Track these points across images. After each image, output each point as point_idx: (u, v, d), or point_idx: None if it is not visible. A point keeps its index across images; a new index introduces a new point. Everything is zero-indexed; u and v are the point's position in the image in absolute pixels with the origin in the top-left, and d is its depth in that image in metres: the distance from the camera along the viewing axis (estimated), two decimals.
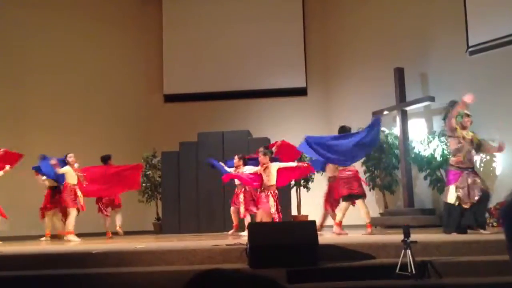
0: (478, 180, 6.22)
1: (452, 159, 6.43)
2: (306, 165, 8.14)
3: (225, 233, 8.80)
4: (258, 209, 7.87)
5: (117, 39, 13.24)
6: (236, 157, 8.47)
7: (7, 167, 8.36)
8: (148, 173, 11.10)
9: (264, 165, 7.65)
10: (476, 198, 6.09)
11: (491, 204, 8.27)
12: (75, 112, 12.11)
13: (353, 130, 10.57)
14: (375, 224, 10.15)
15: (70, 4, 12.58)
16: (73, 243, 7.33)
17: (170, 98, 13.66)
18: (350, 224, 10.95)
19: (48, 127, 11.65)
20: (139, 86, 13.50)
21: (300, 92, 13.35)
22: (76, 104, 12.21)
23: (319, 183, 11.11)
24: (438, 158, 9.62)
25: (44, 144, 11.04)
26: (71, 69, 12.31)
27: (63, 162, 8.65)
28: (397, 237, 4.89)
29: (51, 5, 12.23)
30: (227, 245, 5.02)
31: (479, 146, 6.52)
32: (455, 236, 5.64)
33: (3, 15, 11.46)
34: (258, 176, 7.86)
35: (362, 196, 7.36)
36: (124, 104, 13.01)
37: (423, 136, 10.23)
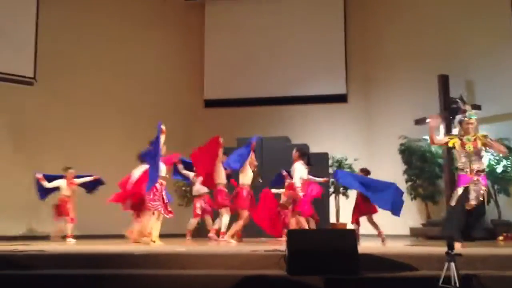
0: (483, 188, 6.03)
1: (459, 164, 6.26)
2: None
3: (263, 239, 8.80)
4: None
5: (160, 44, 13.53)
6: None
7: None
8: (181, 180, 11.20)
9: None
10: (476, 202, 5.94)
11: None
12: (115, 114, 12.43)
13: (393, 137, 10.49)
14: (416, 234, 9.93)
15: (114, 9, 12.97)
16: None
17: (210, 103, 13.83)
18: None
19: (88, 131, 12.01)
20: (180, 91, 13.74)
21: (341, 98, 13.25)
22: (116, 107, 12.53)
23: None
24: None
25: (83, 148, 11.40)
26: (113, 73, 12.67)
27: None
28: (440, 249, 4.76)
29: (95, 10, 12.67)
30: (265, 251, 5.01)
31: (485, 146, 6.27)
32: (502, 249, 5.44)
33: (48, 21, 11.87)
34: None
35: None
36: (165, 108, 13.22)
37: None
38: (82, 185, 9.34)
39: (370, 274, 4.36)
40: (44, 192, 9.10)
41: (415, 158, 10.68)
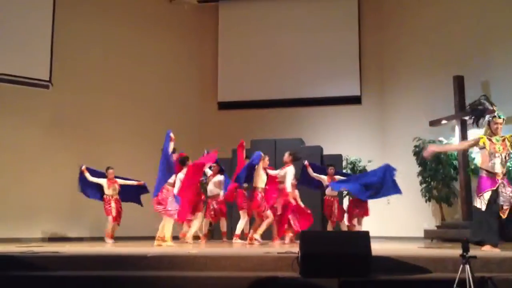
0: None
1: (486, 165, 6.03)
2: None
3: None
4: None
5: (173, 46, 13.64)
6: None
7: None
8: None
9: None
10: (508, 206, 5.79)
11: None
12: (129, 117, 12.52)
13: (407, 139, 10.42)
14: (431, 237, 9.84)
15: (128, 13, 13.10)
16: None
17: (224, 106, 13.86)
18: (395, 236, 10.69)
19: (101, 132, 12.10)
20: (194, 93, 13.82)
21: (354, 100, 13.19)
22: (131, 110, 12.63)
23: None
24: None
25: (98, 152, 11.50)
26: (127, 75, 12.78)
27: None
28: (455, 251, 4.71)
29: (109, 14, 12.79)
30: (278, 253, 5.00)
31: None
32: None
33: (64, 25, 11.98)
34: None
35: None
36: (179, 110, 13.33)
37: None
38: (126, 197, 9.51)
39: (384, 277, 4.33)
40: (84, 186, 9.29)
41: (429, 160, 10.57)
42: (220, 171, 9.27)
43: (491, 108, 6.15)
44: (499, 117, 6.01)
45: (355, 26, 13.37)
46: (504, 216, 5.80)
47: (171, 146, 7.35)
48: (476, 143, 6.20)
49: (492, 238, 5.83)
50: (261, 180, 7.92)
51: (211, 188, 9.17)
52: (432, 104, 11.29)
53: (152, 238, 7.57)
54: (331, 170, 9.13)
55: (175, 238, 8.52)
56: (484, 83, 10.50)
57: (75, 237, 11.06)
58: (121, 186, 9.42)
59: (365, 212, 9.09)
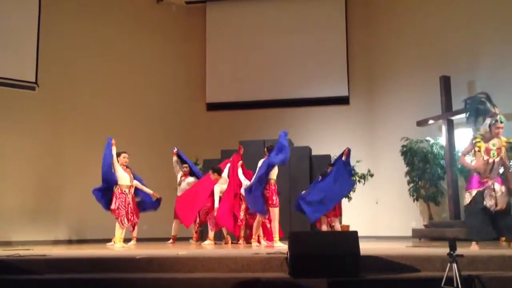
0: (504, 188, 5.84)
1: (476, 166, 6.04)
2: None
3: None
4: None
5: (161, 48, 13.59)
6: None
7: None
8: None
9: None
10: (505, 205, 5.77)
11: None
12: (118, 119, 12.43)
13: (395, 139, 10.44)
14: (419, 236, 9.92)
15: (115, 14, 13.04)
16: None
17: (213, 107, 13.85)
18: (384, 235, 10.75)
19: (89, 135, 11.97)
20: (182, 94, 13.78)
21: (343, 100, 13.25)
22: (119, 112, 12.55)
23: (361, 193, 10.97)
24: None
25: (86, 152, 11.41)
26: (115, 78, 12.70)
27: None
28: (442, 250, 4.76)
29: (96, 16, 12.72)
30: (267, 253, 5.01)
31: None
32: (504, 251, 5.41)
33: (50, 26, 11.89)
34: None
35: None
36: (167, 112, 13.29)
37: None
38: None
39: (372, 276, 4.36)
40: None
41: (417, 160, 10.67)
42: (191, 173, 9.27)
43: (493, 111, 6.05)
44: (501, 122, 5.95)
45: (342, 26, 13.44)
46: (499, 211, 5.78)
47: (114, 150, 7.90)
48: (472, 148, 6.16)
49: (474, 235, 5.90)
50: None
51: (183, 188, 9.12)
52: (419, 104, 11.39)
53: (144, 240, 7.60)
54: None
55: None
56: (470, 83, 10.62)
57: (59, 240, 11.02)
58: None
59: (337, 213, 9.01)
